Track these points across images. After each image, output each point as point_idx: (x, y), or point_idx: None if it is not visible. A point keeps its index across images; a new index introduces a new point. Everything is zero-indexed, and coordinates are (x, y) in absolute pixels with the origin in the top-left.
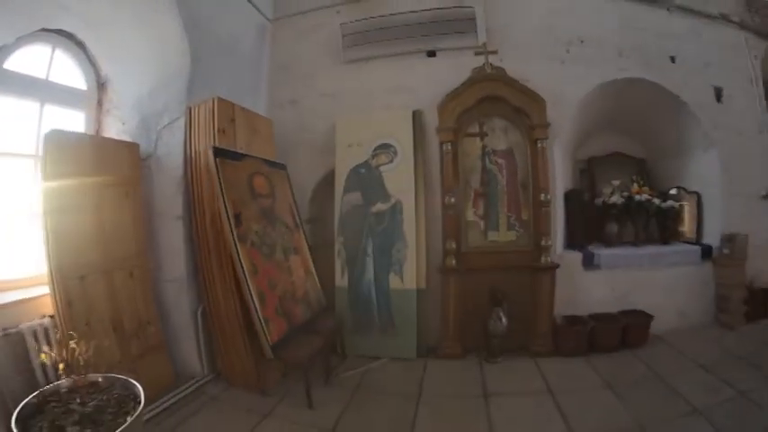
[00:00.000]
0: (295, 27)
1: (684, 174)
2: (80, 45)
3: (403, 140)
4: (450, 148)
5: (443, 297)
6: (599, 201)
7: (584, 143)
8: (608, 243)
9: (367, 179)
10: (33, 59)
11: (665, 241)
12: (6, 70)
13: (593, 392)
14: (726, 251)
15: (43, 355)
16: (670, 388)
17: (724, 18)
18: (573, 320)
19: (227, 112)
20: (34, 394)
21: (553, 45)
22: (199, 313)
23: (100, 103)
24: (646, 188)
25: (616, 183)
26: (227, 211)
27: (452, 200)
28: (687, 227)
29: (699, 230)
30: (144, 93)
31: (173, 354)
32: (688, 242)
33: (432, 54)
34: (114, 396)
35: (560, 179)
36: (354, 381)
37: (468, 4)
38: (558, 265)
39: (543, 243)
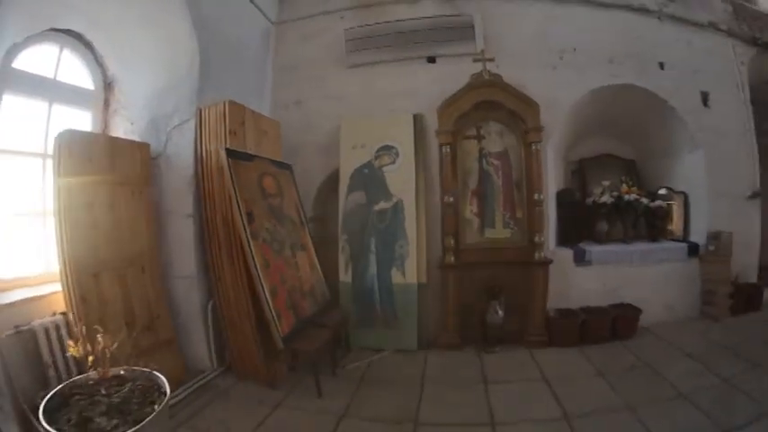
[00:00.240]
0: (299, 30)
1: (672, 174)
2: (87, 45)
3: (404, 142)
4: (449, 150)
5: (443, 291)
6: (590, 200)
7: (576, 145)
8: (598, 240)
9: (370, 179)
10: (41, 59)
11: (653, 239)
12: (15, 69)
13: (586, 379)
14: (711, 248)
15: (72, 349)
16: (658, 375)
17: (712, 26)
18: (565, 313)
19: (238, 115)
20: (60, 386)
21: (547, 52)
22: (209, 308)
23: (107, 103)
24: (634, 188)
25: (606, 183)
26: (240, 210)
27: (451, 199)
28: (675, 225)
29: (686, 229)
30: (153, 94)
31: (182, 348)
32: (675, 240)
33: (432, 60)
34: (138, 387)
35: (553, 179)
36: (359, 372)
37: (466, 12)
38: (551, 261)
39: (537, 240)
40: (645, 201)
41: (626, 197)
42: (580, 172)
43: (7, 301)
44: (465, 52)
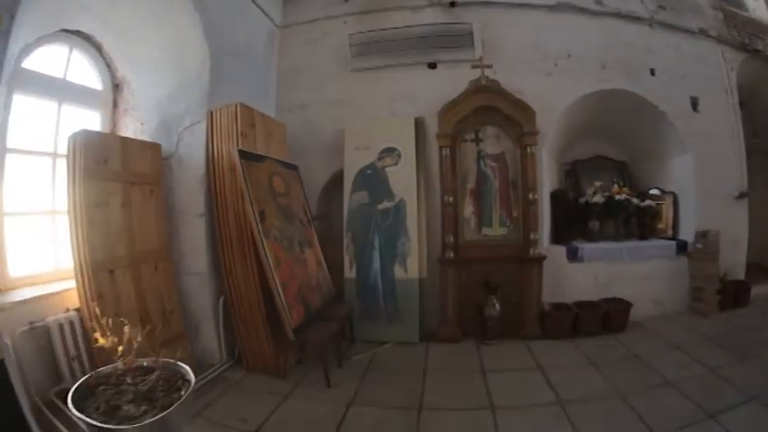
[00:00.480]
0: (303, 34)
1: (662, 175)
2: (97, 47)
3: (406, 145)
4: (448, 152)
5: (443, 286)
6: (582, 200)
7: (570, 147)
8: (591, 238)
9: (373, 179)
10: (51, 59)
11: (643, 237)
12: (26, 70)
13: (578, 368)
14: (699, 246)
15: (101, 339)
16: (646, 364)
17: (703, 33)
18: (559, 307)
19: (249, 117)
20: (86, 377)
21: (543, 59)
22: (220, 304)
23: (115, 104)
24: (625, 189)
25: (598, 184)
26: (253, 209)
27: (450, 199)
28: (665, 224)
29: (675, 227)
30: (164, 96)
31: (193, 342)
32: (665, 238)
33: (433, 66)
34: (162, 377)
35: (547, 180)
36: (364, 363)
37: (466, 20)
38: (544, 257)
39: (531, 237)
40: (635, 201)
41: (617, 197)
42: (574, 173)
43: (21, 298)
44: (464, 59)
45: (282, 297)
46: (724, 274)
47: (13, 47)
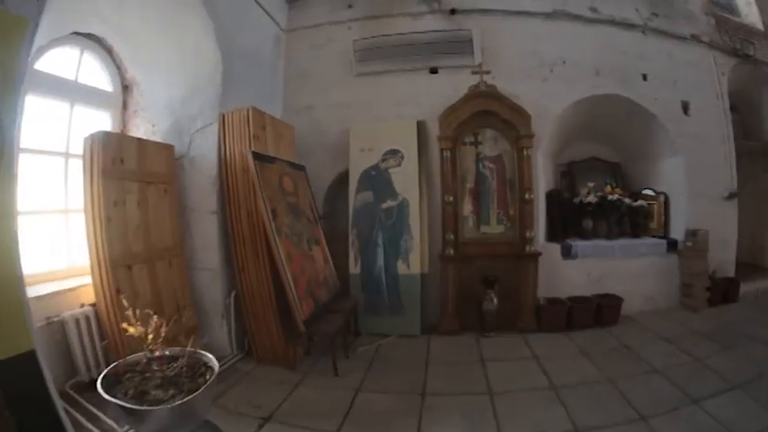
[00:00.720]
0: (309, 39)
1: (654, 176)
2: (107, 49)
3: (409, 147)
4: (449, 154)
5: (443, 281)
6: (577, 200)
7: (565, 149)
8: (584, 236)
9: (377, 180)
10: (62, 61)
11: (635, 235)
12: (39, 71)
13: (571, 358)
14: (689, 244)
15: (131, 329)
16: (636, 355)
17: (695, 38)
18: (554, 301)
19: (260, 120)
20: (114, 364)
21: (539, 65)
22: (231, 298)
23: (125, 105)
24: (618, 189)
25: (591, 184)
26: (266, 207)
27: (451, 198)
28: (656, 223)
29: (666, 226)
30: (175, 98)
31: (204, 335)
32: (656, 236)
33: (434, 71)
34: (185, 364)
35: (542, 181)
36: (369, 354)
37: (466, 27)
38: (540, 254)
39: (527, 235)
40: (627, 200)
41: (609, 197)
42: (569, 174)
43: (36, 294)
44: (464, 64)
45: (294, 290)
46: (713, 272)
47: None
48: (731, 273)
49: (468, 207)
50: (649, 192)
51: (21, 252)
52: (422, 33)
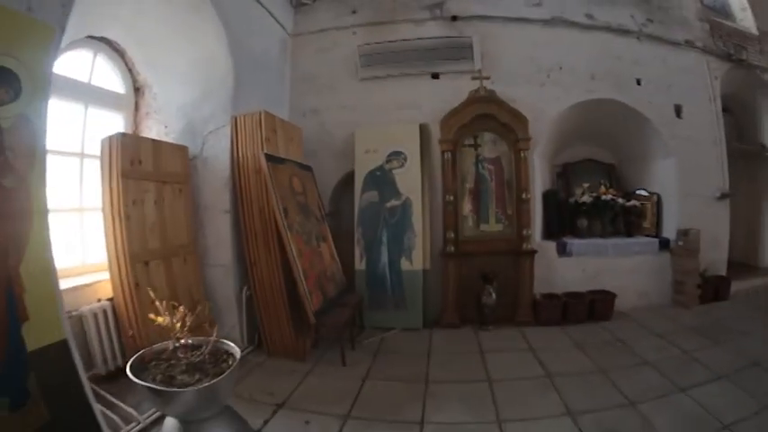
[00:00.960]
0: (314, 43)
1: (648, 177)
2: (119, 52)
3: (412, 149)
4: (450, 156)
5: (444, 277)
6: (572, 200)
7: (562, 151)
8: (579, 235)
9: (382, 180)
10: (76, 64)
11: (629, 234)
12: (56, 74)
13: (566, 350)
14: (681, 243)
15: (160, 318)
16: (628, 348)
17: (689, 44)
18: (550, 297)
19: (271, 123)
20: (141, 351)
21: (536, 71)
22: (244, 293)
23: (137, 107)
24: (612, 189)
25: (586, 185)
26: (278, 206)
27: (451, 198)
28: (649, 222)
29: (658, 226)
30: (188, 101)
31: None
32: (649, 235)
33: (435, 76)
34: (208, 352)
35: (539, 181)
36: (374, 346)
37: (466, 34)
38: (536, 251)
39: (524, 233)
40: (621, 200)
41: (603, 197)
42: (565, 174)
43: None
44: (464, 70)
45: (304, 284)
46: (704, 270)
47: None
48: (723, 271)
49: (468, 206)
50: (643, 192)
51: (53, 247)
52: (424, 40)
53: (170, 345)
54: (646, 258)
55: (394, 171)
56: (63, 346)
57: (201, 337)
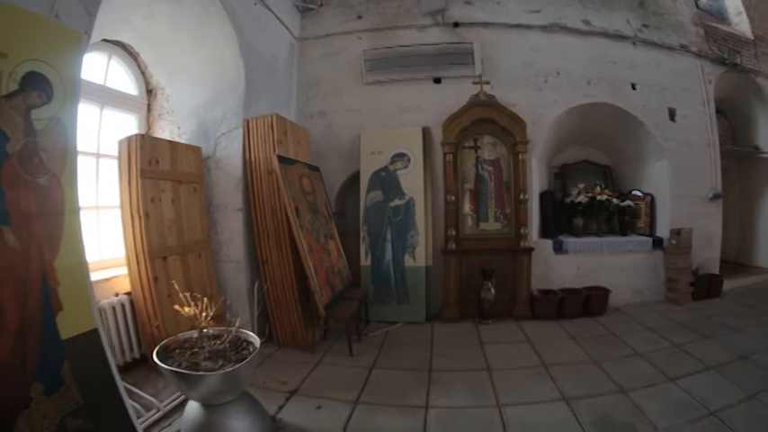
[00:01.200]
0: (321, 48)
1: (642, 178)
2: (132, 55)
3: (415, 151)
4: (451, 157)
5: (445, 273)
6: (568, 200)
7: (559, 153)
8: (575, 234)
9: (386, 180)
10: (91, 67)
11: (623, 233)
12: None
13: (561, 342)
14: (673, 242)
15: (187, 309)
16: (620, 340)
17: (683, 48)
18: (546, 292)
19: (282, 126)
20: (167, 339)
21: (534, 76)
22: (255, 288)
23: (149, 108)
24: (607, 190)
25: (581, 186)
26: (290, 205)
27: (452, 197)
28: (643, 222)
29: (652, 225)
30: (200, 103)
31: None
32: (643, 234)
33: (438, 81)
34: (228, 341)
35: (536, 182)
36: (379, 338)
37: (467, 40)
38: (533, 249)
39: (522, 231)
40: (615, 201)
41: (598, 197)
42: (561, 175)
43: None
44: (465, 75)
45: (315, 279)
46: (696, 268)
47: None
48: (716, 270)
49: (468, 206)
50: (637, 193)
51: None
52: (427, 46)
53: (194, 334)
54: (639, 256)
55: (398, 172)
56: (94, 334)
57: (222, 327)
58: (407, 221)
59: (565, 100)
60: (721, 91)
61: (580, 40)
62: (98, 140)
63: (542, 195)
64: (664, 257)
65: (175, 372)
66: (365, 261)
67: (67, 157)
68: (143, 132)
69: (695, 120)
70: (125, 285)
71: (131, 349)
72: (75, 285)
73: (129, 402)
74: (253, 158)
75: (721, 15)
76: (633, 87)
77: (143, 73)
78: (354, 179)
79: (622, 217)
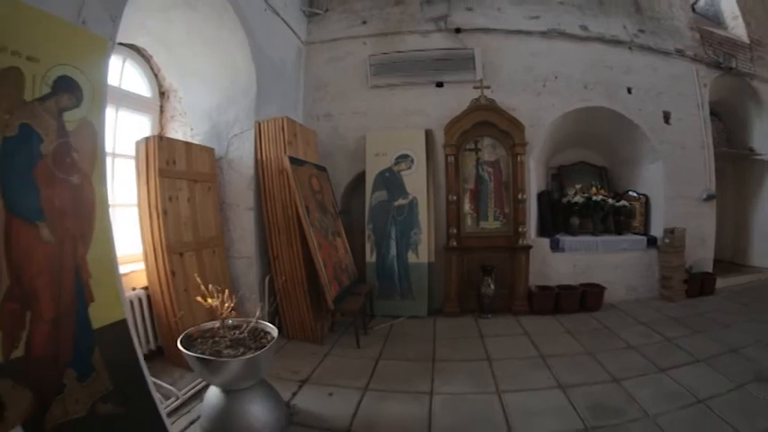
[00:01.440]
0: (327, 52)
1: (637, 179)
2: (146, 58)
3: (418, 152)
4: (453, 159)
5: (447, 269)
6: (565, 200)
7: (556, 154)
8: (571, 233)
9: (391, 181)
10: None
11: (618, 232)
12: None
13: (558, 335)
14: (667, 241)
15: (210, 300)
16: (614, 334)
17: (679, 53)
18: (544, 288)
19: (292, 128)
20: (191, 329)
21: (533, 81)
22: (266, 282)
23: (162, 110)
24: (602, 190)
25: (578, 186)
26: (301, 204)
27: (454, 197)
28: (638, 221)
29: (646, 224)
30: (213, 105)
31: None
32: (638, 234)
33: (440, 85)
34: (247, 330)
35: (534, 183)
36: (384, 331)
37: (469, 46)
38: (531, 247)
39: (520, 230)
40: (611, 201)
41: (594, 198)
42: (559, 176)
43: None
44: (467, 80)
45: (324, 274)
46: (690, 266)
47: None
48: (709, 268)
49: (468, 205)
50: (632, 193)
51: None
52: (430, 51)
53: (216, 324)
54: (634, 255)
55: (402, 172)
56: (122, 324)
57: (241, 318)
58: (411, 220)
59: (562, 104)
60: (716, 94)
61: (578, 46)
62: (113, 141)
63: (540, 195)
64: (658, 256)
65: (200, 358)
66: (370, 258)
67: (97, 156)
68: (157, 134)
69: (690, 123)
70: (141, 280)
71: (148, 342)
72: (106, 278)
73: (153, 388)
74: (264, 159)
75: (717, 20)
76: (629, 91)
77: (156, 75)
78: (360, 179)
79: (618, 217)
